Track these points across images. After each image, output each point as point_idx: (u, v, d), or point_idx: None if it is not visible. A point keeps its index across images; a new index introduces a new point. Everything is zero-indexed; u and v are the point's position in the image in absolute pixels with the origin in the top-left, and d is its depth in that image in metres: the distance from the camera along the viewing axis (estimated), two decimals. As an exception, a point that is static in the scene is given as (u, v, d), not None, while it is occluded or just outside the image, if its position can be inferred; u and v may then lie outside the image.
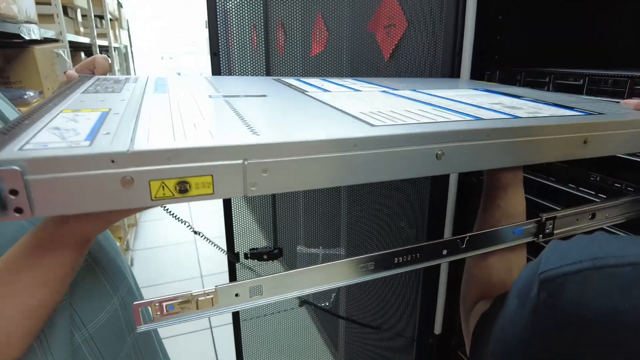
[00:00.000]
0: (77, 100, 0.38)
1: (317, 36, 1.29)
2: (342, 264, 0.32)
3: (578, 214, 0.42)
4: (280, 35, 1.35)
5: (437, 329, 1.01)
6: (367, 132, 0.30)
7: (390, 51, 1.00)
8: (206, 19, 0.82)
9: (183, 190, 0.25)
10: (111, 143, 0.24)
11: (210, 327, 1.93)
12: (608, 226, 0.46)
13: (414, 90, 0.55)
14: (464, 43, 0.81)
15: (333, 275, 0.32)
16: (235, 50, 0.97)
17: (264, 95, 0.46)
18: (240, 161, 0.26)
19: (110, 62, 0.62)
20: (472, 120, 0.35)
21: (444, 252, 0.36)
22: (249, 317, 1.23)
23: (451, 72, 0.84)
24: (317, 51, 1.30)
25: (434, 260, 0.36)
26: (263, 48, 1.27)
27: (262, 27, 1.22)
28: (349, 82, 0.64)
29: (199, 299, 0.28)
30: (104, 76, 0.56)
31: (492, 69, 0.80)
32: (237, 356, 1.17)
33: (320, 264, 0.31)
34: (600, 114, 0.41)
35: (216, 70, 0.82)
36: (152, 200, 0.25)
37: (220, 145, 0.25)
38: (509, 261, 0.43)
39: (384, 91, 0.53)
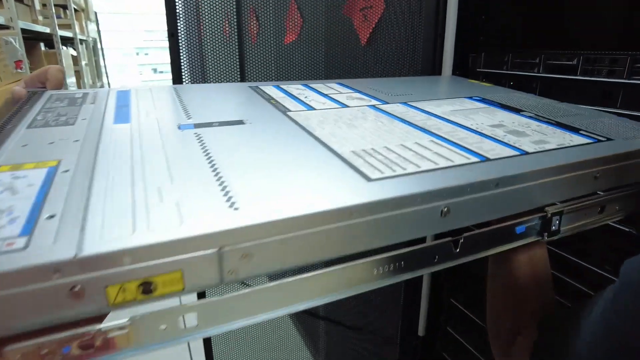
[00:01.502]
0: (18, 143, 0.32)
1: (291, 23, 1.22)
2: (308, 280, 0.25)
3: (586, 207, 0.36)
4: (253, 23, 1.28)
5: (421, 330, 0.95)
6: (365, 193, 0.26)
7: (368, 35, 0.94)
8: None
9: (147, 291, 0.21)
10: (54, 242, 0.20)
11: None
12: (614, 221, 0.41)
13: (405, 104, 0.51)
14: (447, 24, 0.75)
15: (296, 294, 0.25)
16: (208, 38, 0.90)
17: (241, 122, 0.41)
18: (215, 250, 0.22)
19: (64, 73, 0.54)
20: (478, 163, 0.32)
21: (435, 258, 0.30)
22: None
23: (433, 56, 0.78)
24: (291, 39, 1.23)
25: (422, 269, 0.29)
26: (236, 36, 1.19)
27: (235, 14, 1.14)
28: (333, 88, 0.59)
29: (110, 335, 0.21)
30: (57, 92, 0.49)
31: (477, 51, 0.74)
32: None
33: (280, 280, 0.24)
34: (608, 139, 0.39)
35: (175, 53, 0.74)
36: (109, 306, 0.20)
37: (191, 237, 0.21)
38: (541, 284, 0.40)
39: (372, 106, 0.49)
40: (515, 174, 0.30)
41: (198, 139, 0.35)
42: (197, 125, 0.39)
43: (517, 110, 0.50)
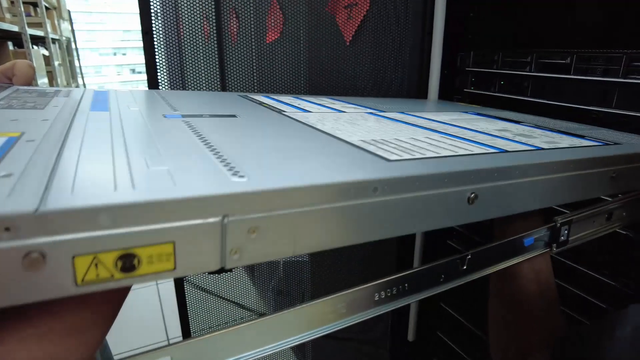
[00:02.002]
0: None
1: (272, 22, 1.18)
2: (301, 312, 0.22)
3: (594, 215, 0.34)
4: (233, 22, 1.24)
5: (411, 336, 0.93)
6: (387, 170, 0.23)
7: (352, 34, 0.91)
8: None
9: (128, 267, 0.16)
10: (8, 195, 0.15)
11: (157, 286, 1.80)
12: (621, 228, 0.39)
13: (404, 113, 0.49)
14: (435, 22, 0.73)
15: (289, 328, 0.22)
16: (187, 37, 0.86)
17: (233, 116, 0.37)
18: (217, 218, 0.17)
19: (34, 69, 0.49)
20: (498, 153, 0.30)
21: (442, 278, 0.27)
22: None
23: (421, 55, 0.75)
24: (273, 38, 1.19)
25: (428, 291, 0.27)
26: (215, 35, 1.15)
27: (214, 12, 1.10)
28: (326, 101, 0.57)
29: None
30: (25, 87, 0.44)
31: (465, 50, 0.72)
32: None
33: (272, 314, 0.21)
34: (616, 143, 0.38)
35: (150, 53, 0.70)
36: (77, 285, 0.15)
37: (188, 197, 0.16)
38: (547, 298, 0.38)
39: (371, 113, 0.47)
40: (540, 163, 0.29)
41: (188, 126, 0.31)
42: (185, 116, 0.35)
43: (516, 122, 0.49)
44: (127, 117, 0.33)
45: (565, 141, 0.37)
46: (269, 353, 0.22)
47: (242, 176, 0.19)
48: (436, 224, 0.24)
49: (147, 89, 0.72)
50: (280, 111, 0.43)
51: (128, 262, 0.16)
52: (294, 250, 0.20)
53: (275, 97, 0.56)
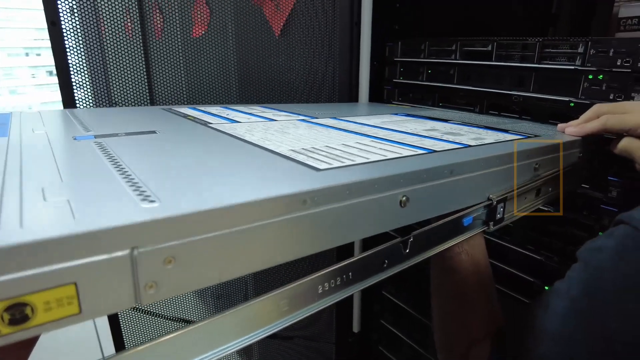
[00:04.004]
0: None
1: (198, 16, 1.13)
2: (241, 312, 0.20)
3: (525, 192, 0.36)
4: (157, 17, 1.17)
5: (356, 326, 0.94)
6: (316, 181, 0.22)
7: (281, 26, 0.89)
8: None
9: (19, 319, 0.14)
10: None
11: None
12: (544, 205, 0.41)
13: (335, 119, 0.49)
14: (362, 12, 0.73)
15: (230, 330, 0.20)
16: (108, 36, 0.79)
17: (153, 132, 0.34)
18: (125, 252, 0.15)
19: None
20: (426, 154, 0.31)
21: (385, 263, 0.27)
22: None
23: (350, 46, 0.75)
24: (200, 32, 1.14)
25: (372, 278, 0.26)
26: (139, 31, 1.07)
27: (137, 8, 1.03)
28: (257, 109, 0.56)
29: None
30: None
31: (393, 40, 0.74)
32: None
33: (210, 318, 0.19)
34: (536, 135, 0.41)
35: (58, 48, 0.63)
36: None
37: (87, 231, 0.14)
38: (486, 286, 0.39)
39: (303, 120, 0.46)
40: (467, 161, 0.29)
41: (99, 147, 0.28)
42: (98, 137, 0.32)
43: (444, 120, 0.51)
44: (29, 142, 0.30)
45: (491, 136, 0.39)
46: (217, 357, 0.20)
47: (152, 201, 0.17)
48: (371, 231, 0.24)
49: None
50: (205, 123, 0.41)
51: (18, 313, 0.14)
52: (220, 277, 0.18)
53: (203, 109, 0.54)
